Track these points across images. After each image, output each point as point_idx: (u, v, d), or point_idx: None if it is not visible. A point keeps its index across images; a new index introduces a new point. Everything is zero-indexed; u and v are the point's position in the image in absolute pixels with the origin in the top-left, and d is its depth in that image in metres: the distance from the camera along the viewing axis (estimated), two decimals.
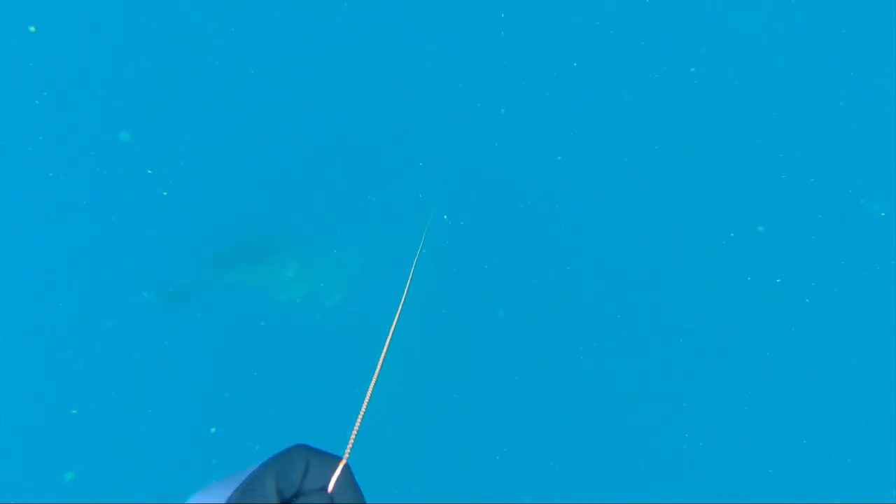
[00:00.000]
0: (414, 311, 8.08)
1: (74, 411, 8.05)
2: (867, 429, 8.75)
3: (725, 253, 9.01)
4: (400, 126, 9.12)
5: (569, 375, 9.06)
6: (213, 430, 8.30)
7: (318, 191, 9.11)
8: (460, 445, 8.78)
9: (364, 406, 1.31)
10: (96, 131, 8.44)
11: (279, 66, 8.98)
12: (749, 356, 9.00)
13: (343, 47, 9.07)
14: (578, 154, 9.17)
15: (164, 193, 8.37)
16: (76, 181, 8.55)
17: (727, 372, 9.00)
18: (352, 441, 1.17)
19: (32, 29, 7.86)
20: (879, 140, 8.60)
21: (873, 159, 8.66)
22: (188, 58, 8.64)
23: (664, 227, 9.05)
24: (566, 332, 9.04)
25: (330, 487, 0.90)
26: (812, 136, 8.86)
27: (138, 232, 8.57)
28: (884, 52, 8.34)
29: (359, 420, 1.26)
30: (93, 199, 8.56)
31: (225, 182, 8.83)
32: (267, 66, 8.93)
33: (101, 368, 8.23)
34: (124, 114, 8.43)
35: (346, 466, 0.95)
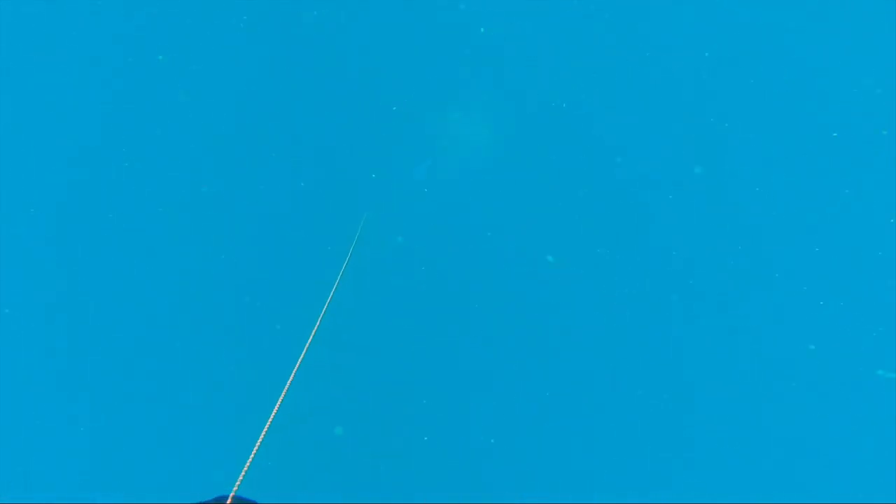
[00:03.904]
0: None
1: None
2: (867, 429, 8.67)
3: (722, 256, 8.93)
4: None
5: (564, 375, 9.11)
6: None
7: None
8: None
9: (259, 442, 1.35)
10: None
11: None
12: (749, 357, 8.94)
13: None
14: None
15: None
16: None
17: (728, 373, 8.95)
18: (241, 477, 1.21)
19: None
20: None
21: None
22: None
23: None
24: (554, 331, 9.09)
25: None
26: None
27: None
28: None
29: (252, 453, 1.30)
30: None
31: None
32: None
33: None
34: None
35: (238, 498, 0.98)
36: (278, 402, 1.43)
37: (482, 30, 8.54)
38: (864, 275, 8.57)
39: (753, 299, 8.87)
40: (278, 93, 8.70)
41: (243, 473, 1.23)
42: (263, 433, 1.34)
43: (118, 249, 8.52)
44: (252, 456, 1.28)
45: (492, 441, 9.06)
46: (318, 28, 8.48)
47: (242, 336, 8.91)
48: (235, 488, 1.10)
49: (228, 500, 1.00)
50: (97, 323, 8.55)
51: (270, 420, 1.37)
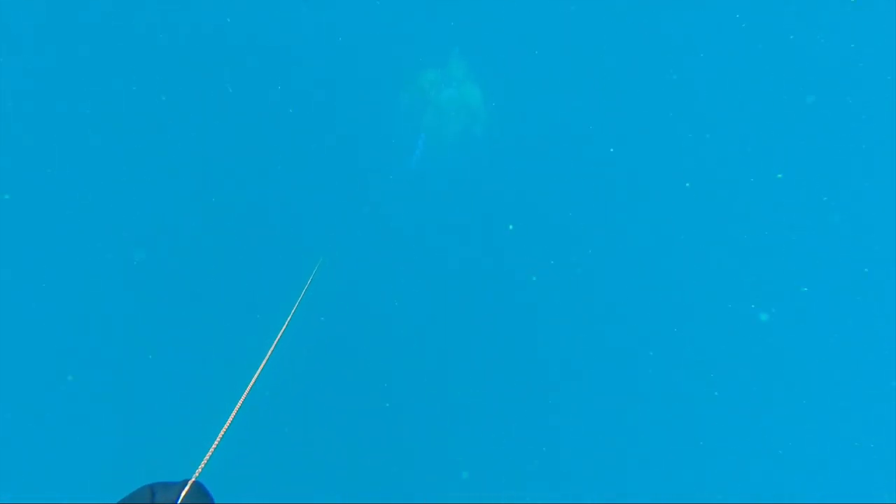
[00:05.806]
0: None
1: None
2: (867, 429, 8.64)
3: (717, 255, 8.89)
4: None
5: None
6: None
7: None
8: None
9: (225, 427, 1.38)
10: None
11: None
12: (748, 356, 8.91)
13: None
14: None
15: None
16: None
17: (727, 372, 8.92)
18: (204, 461, 1.24)
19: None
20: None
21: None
22: None
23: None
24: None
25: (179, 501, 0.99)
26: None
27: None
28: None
29: (217, 440, 1.33)
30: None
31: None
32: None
33: None
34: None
35: (197, 484, 1.03)
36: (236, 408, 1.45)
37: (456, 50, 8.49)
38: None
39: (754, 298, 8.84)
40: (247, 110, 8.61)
41: (205, 460, 1.27)
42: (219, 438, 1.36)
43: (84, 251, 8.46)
44: (212, 449, 1.31)
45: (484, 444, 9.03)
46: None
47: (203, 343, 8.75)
48: (197, 473, 1.15)
49: (191, 480, 1.05)
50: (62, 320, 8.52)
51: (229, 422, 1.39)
